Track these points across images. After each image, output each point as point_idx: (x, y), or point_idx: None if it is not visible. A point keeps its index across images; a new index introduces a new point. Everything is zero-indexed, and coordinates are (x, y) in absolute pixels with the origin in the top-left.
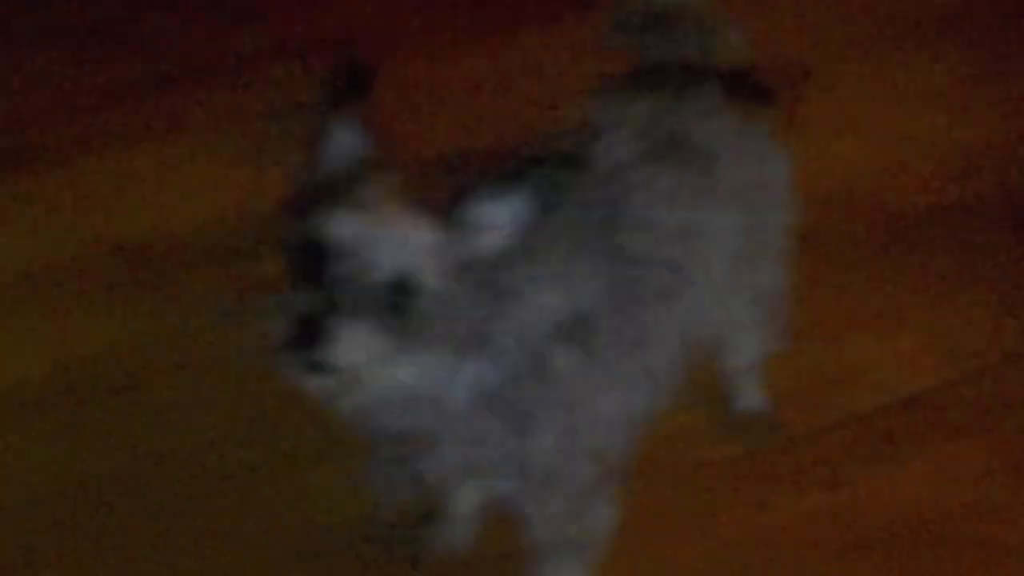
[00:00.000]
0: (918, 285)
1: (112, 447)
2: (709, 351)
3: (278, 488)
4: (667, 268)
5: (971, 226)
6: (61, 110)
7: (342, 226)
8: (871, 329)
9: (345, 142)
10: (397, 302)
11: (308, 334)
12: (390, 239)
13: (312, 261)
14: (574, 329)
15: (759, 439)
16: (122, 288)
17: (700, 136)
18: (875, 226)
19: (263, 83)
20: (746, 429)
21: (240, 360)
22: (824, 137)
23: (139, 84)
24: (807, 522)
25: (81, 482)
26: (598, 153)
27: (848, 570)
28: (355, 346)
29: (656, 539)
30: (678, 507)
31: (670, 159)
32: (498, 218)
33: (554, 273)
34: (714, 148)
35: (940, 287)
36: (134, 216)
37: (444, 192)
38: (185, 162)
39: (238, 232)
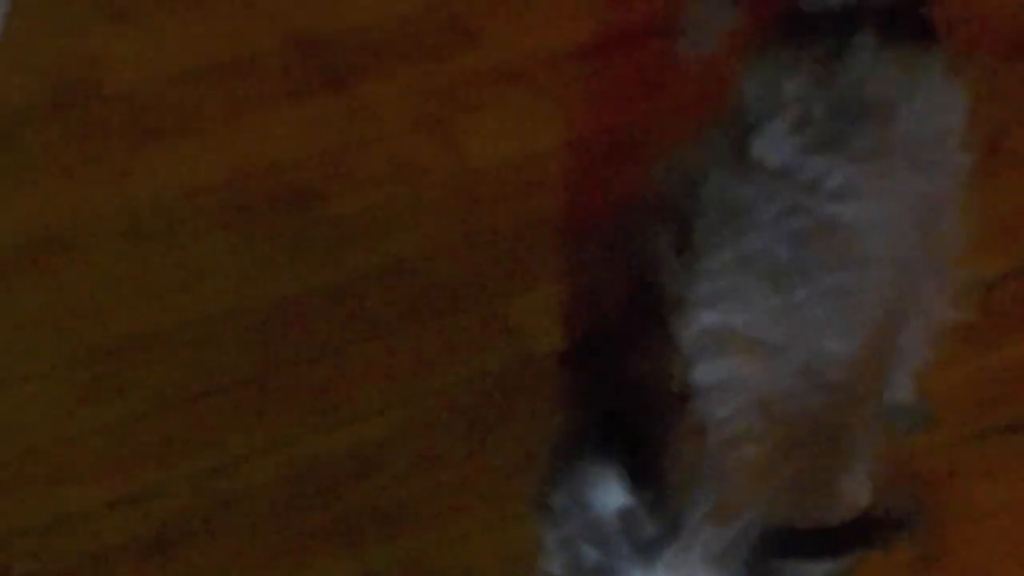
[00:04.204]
0: None
1: (290, 269)
2: None
3: (474, 317)
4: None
5: None
6: None
7: None
8: None
9: None
10: None
11: None
12: None
13: None
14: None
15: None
16: (303, 89)
17: (867, 98)
18: None
19: None
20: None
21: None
22: None
23: None
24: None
25: (256, 305)
26: (761, 152)
27: None
28: None
29: None
30: None
31: (840, 146)
32: None
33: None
34: (886, 106)
35: None
36: (316, 6)
37: None
38: None
39: (431, 27)
